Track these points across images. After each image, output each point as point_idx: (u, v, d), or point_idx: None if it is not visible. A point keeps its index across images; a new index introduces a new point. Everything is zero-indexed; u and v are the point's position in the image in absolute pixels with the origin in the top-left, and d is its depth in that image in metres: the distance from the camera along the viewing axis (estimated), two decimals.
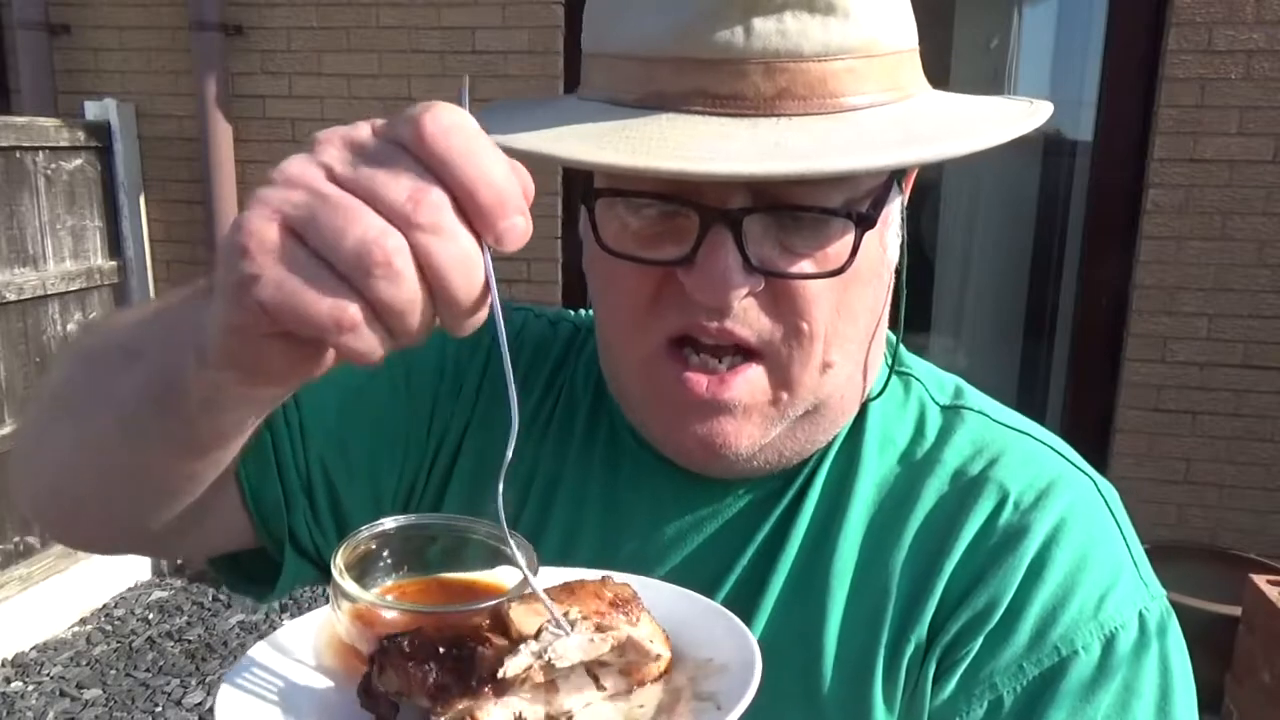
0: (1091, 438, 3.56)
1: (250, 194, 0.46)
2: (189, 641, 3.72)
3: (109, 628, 3.83)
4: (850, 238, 0.66)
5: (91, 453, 0.65)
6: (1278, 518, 3.51)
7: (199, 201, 4.02)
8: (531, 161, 0.61)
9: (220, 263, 0.46)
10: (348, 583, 0.55)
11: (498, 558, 0.61)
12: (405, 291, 0.44)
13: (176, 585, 4.15)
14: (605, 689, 0.52)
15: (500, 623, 0.50)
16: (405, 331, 0.45)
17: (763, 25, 0.61)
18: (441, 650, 0.49)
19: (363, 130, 0.46)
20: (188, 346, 0.52)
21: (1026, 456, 0.77)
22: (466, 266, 0.44)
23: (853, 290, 0.69)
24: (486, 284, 0.45)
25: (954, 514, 0.75)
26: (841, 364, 0.72)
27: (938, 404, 0.82)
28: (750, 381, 0.69)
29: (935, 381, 0.84)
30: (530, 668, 0.48)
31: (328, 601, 0.58)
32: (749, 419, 0.70)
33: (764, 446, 0.73)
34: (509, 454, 0.48)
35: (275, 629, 0.58)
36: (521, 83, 3.67)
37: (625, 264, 0.68)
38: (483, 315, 0.47)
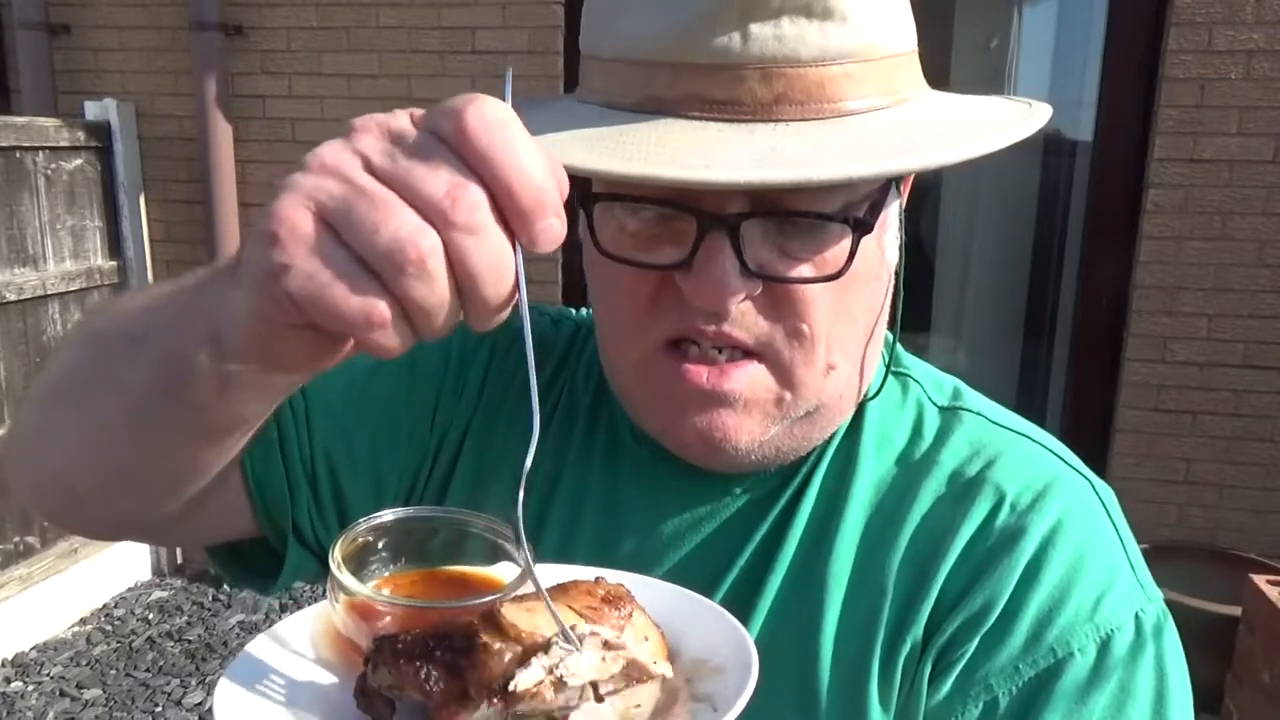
0: (1091, 438, 3.56)
1: (280, 181, 0.45)
2: (189, 641, 3.72)
3: (109, 628, 3.84)
4: (848, 242, 0.66)
5: (97, 441, 0.64)
6: (1277, 518, 3.51)
7: (199, 201, 4.02)
8: None
9: (249, 249, 0.46)
10: (344, 575, 0.55)
11: (496, 552, 0.61)
12: (437, 292, 0.43)
13: (176, 585, 4.15)
14: (602, 700, 0.52)
15: (492, 619, 0.50)
16: (431, 329, 0.44)
17: (760, 30, 0.61)
18: (434, 647, 0.49)
19: (402, 119, 0.45)
20: (200, 333, 0.51)
21: (1024, 458, 0.77)
22: (499, 267, 0.44)
23: (851, 293, 0.69)
24: (516, 284, 0.45)
25: (951, 515, 0.75)
26: (842, 365, 0.72)
27: (935, 405, 0.82)
28: (751, 376, 0.69)
29: (933, 382, 0.84)
30: (542, 682, 0.48)
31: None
32: (749, 414, 0.70)
33: (762, 444, 0.73)
34: (528, 463, 0.47)
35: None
36: (521, 83, 3.60)
37: (623, 267, 0.68)
38: (506, 313, 0.46)
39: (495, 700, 0.48)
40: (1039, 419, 0.82)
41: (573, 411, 0.85)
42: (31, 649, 3.67)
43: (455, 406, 0.85)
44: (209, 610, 3.95)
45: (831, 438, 0.79)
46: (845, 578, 0.75)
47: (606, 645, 0.50)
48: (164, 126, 4.06)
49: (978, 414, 0.81)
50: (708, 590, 0.73)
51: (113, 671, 3.53)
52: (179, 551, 4.25)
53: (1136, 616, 0.72)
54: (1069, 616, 0.71)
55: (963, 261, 4.05)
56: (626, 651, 0.51)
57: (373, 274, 0.43)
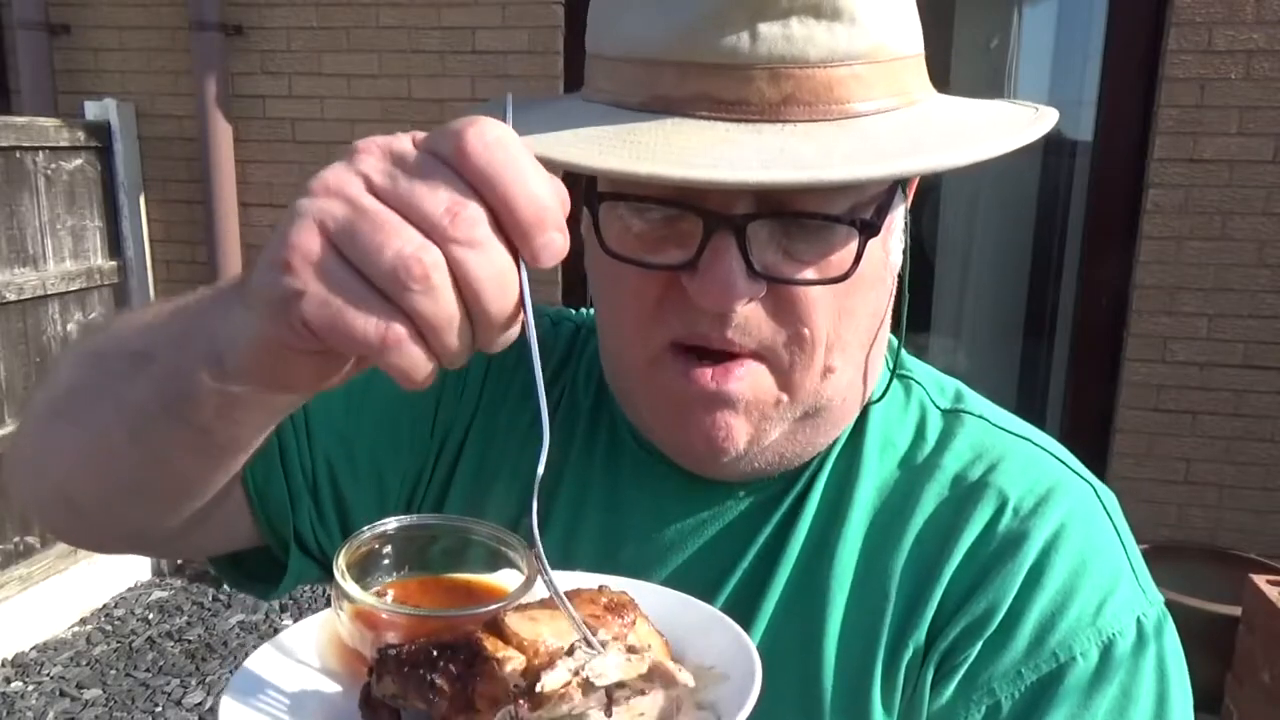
0: (1091, 438, 3.56)
1: (290, 203, 0.46)
2: (189, 641, 3.72)
3: (109, 628, 3.84)
4: (854, 245, 0.66)
5: (96, 456, 0.65)
6: (1277, 518, 3.51)
7: (199, 201, 4.02)
8: None
9: (259, 274, 0.46)
10: (349, 584, 0.55)
11: (498, 559, 0.61)
12: (443, 306, 0.44)
13: (176, 585, 4.15)
14: (610, 714, 0.52)
15: (496, 628, 0.50)
16: (445, 349, 0.45)
17: (768, 30, 0.60)
18: (438, 657, 0.49)
19: (403, 141, 0.46)
20: (201, 354, 0.52)
21: (1026, 462, 0.77)
22: (501, 281, 0.45)
23: (855, 296, 0.69)
24: (521, 299, 0.45)
25: (954, 519, 0.75)
26: (842, 368, 0.72)
27: (938, 408, 0.82)
28: (754, 375, 0.69)
29: (936, 385, 0.84)
30: (569, 684, 0.48)
31: (329, 602, 0.58)
32: (749, 416, 0.70)
33: (764, 448, 0.73)
34: (540, 470, 0.47)
35: (275, 629, 0.58)
36: (521, 83, 3.66)
37: (628, 267, 0.67)
38: (515, 331, 0.47)
39: (522, 701, 0.47)
40: (1039, 419, 0.82)
41: (574, 412, 0.85)
42: (31, 649, 3.67)
43: (456, 408, 0.85)
44: (209, 610, 3.95)
45: (835, 442, 0.79)
46: (848, 582, 0.75)
47: (631, 649, 0.50)
48: (164, 126, 4.06)
49: (980, 417, 0.81)
50: (710, 594, 0.73)
51: (113, 671, 3.53)
52: None
53: (1138, 620, 0.72)
54: (1071, 621, 0.71)
55: (963, 261, 4.05)
56: (652, 654, 0.51)
57: (382, 295, 0.43)
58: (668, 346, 0.69)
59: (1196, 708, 0.74)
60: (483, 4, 3.71)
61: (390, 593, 0.60)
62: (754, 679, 0.52)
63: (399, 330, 0.43)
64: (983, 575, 0.72)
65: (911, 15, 0.68)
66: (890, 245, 0.72)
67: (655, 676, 0.51)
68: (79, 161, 3.86)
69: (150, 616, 3.91)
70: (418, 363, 0.45)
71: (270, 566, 0.84)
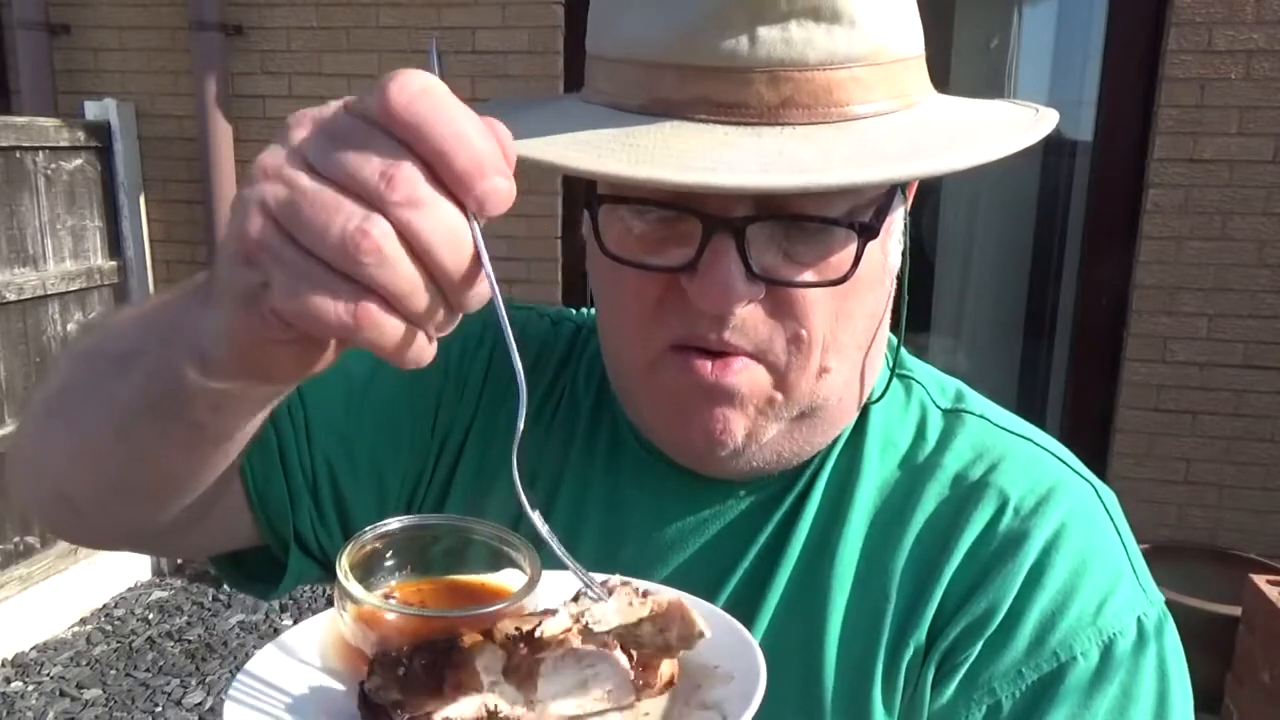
0: (1091, 438, 3.56)
1: (235, 196, 0.45)
2: (189, 641, 3.72)
3: (109, 628, 3.84)
4: (853, 247, 0.66)
5: (90, 454, 0.65)
6: (1277, 518, 3.51)
7: (199, 201, 4.02)
8: (532, 167, 0.61)
9: (222, 270, 0.46)
10: (353, 585, 0.55)
11: (500, 558, 0.61)
12: (402, 273, 0.43)
13: (176, 585, 4.15)
14: (591, 693, 0.51)
15: (486, 630, 0.50)
16: (418, 315, 0.44)
17: (768, 34, 0.60)
18: (420, 650, 0.49)
19: (332, 109, 0.45)
20: (184, 350, 0.51)
21: (1027, 461, 0.78)
22: (451, 237, 0.43)
23: (853, 298, 0.69)
24: (477, 254, 0.44)
25: (954, 519, 0.75)
26: (838, 369, 0.72)
27: (939, 407, 0.82)
28: (751, 371, 0.69)
29: (936, 385, 0.84)
30: (569, 630, 0.47)
31: (330, 602, 0.58)
32: (745, 411, 0.70)
33: (761, 446, 0.73)
34: (520, 425, 0.47)
35: (275, 629, 0.58)
36: (521, 83, 3.66)
37: (628, 269, 0.67)
38: (483, 289, 0.46)
39: (521, 647, 0.47)
40: (1039, 419, 0.82)
41: (574, 412, 0.85)
42: (31, 649, 3.67)
43: (456, 408, 0.85)
44: (209, 610, 3.95)
45: (835, 441, 0.79)
46: (849, 581, 0.75)
47: (639, 593, 0.50)
48: (164, 126, 4.06)
49: (980, 416, 0.81)
50: (711, 593, 0.73)
51: (113, 671, 3.53)
52: None
53: (1139, 620, 0.72)
54: (1072, 621, 0.71)
55: (963, 261, 4.05)
56: (659, 597, 0.50)
57: (343, 274, 0.42)
58: (668, 347, 0.69)
59: (1196, 708, 0.74)
60: (483, 4, 3.71)
61: (395, 594, 0.60)
62: (759, 678, 0.52)
63: (368, 307, 0.43)
64: (983, 575, 0.72)
65: (912, 16, 0.68)
66: (889, 247, 0.72)
67: (671, 622, 0.50)
68: (79, 161, 3.86)
69: (150, 616, 3.91)
70: (396, 335, 0.44)
71: (270, 566, 0.84)
